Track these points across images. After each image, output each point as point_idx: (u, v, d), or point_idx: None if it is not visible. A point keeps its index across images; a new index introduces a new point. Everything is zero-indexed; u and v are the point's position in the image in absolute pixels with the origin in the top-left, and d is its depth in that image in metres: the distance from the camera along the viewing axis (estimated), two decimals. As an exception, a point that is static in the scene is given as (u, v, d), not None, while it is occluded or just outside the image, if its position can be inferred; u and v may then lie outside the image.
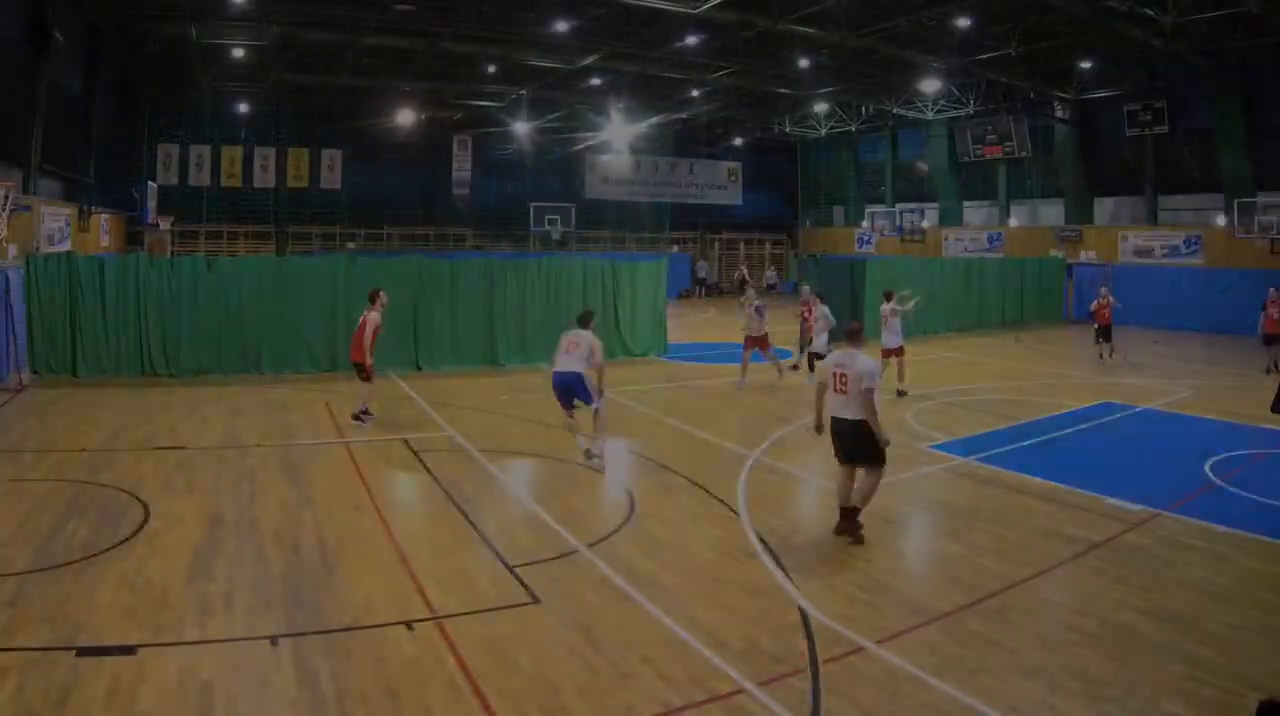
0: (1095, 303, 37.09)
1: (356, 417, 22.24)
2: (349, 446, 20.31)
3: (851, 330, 14.96)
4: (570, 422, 19.37)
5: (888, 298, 28.32)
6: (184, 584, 12.08)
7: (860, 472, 14.41)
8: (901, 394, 27.13)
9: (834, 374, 14.22)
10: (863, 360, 14.13)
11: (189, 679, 9.53)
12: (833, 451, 14.75)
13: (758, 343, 29.49)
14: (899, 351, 27.70)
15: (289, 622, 11.02)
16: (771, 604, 11.87)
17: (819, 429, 15.38)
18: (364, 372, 22.22)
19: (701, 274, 74.38)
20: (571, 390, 18.71)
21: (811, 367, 29.13)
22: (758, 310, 29.37)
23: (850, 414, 14.10)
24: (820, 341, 28.98)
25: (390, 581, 12.44)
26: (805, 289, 33.25)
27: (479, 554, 13.65)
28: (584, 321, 19.40)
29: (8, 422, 22.21)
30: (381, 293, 22.59)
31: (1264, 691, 8.22)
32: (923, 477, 18.49)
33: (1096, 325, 36.58)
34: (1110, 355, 36.06)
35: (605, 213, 75.27)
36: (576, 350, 18.66)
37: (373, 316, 21.96)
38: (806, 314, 31.58)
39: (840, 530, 14.31)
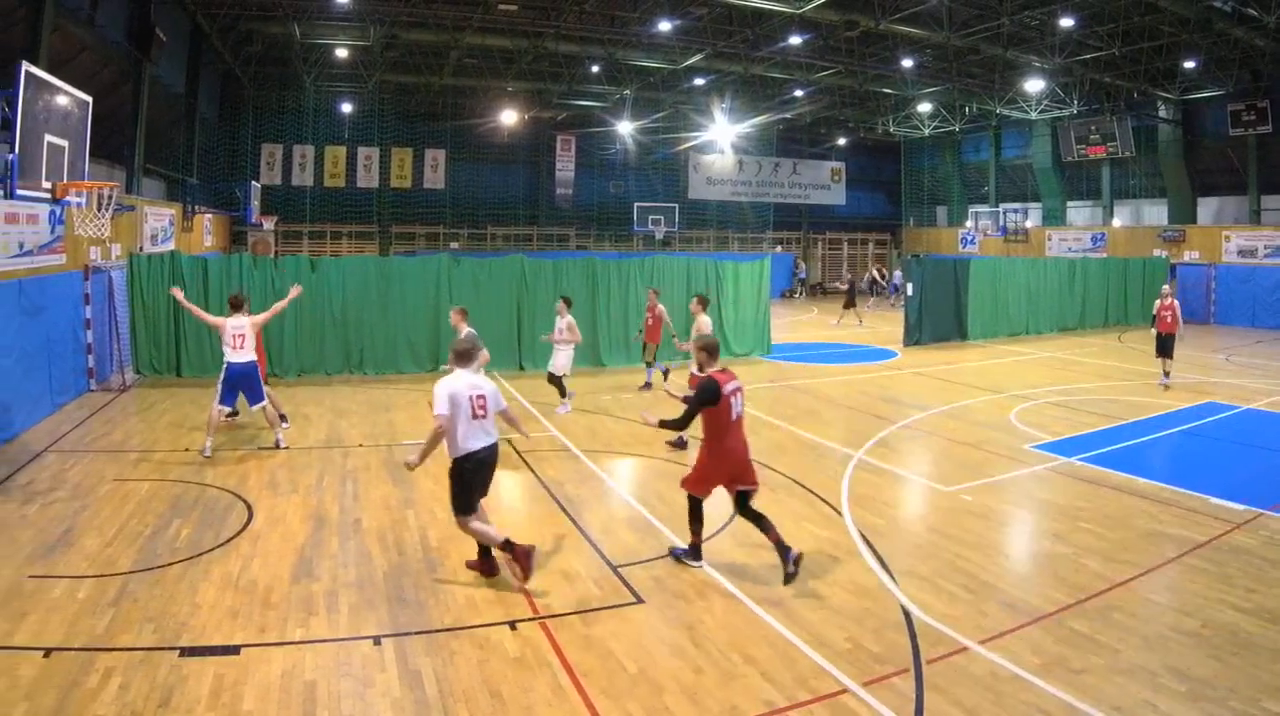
0: (1157, 304, 30.70)
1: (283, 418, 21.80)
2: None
3: (463, 351, 13.10)
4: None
5: (703, 303, 22.81)
6: (288, 584, 12.30)
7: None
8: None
9: (470, 398, 12.53)
10: (485, 378, 13.12)
11: (292, 678, 9.72)
12: (478, 492, 12.79)
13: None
14: None
15: (392, 622, 11.19)
16: (875, 603, 11.90)
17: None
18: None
19: (801, 275, 73.86)
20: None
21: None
22: (564, 330, 23.86)
23: (494, 438, 12.85)
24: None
25: (494, 581, 12.57)
26: (650, 292, 28.94)
27: (582, 553, 13.76)
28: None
29: (112, 422, 22.53)
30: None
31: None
32: (1026, 477, 18.42)
33: (1157, 333, 30.06)
34: (1167, 376, 29.70)
35: (708, 213, 74.99)
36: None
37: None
38: (651, 318, 27.95)
39: (493, 570, 12.90)
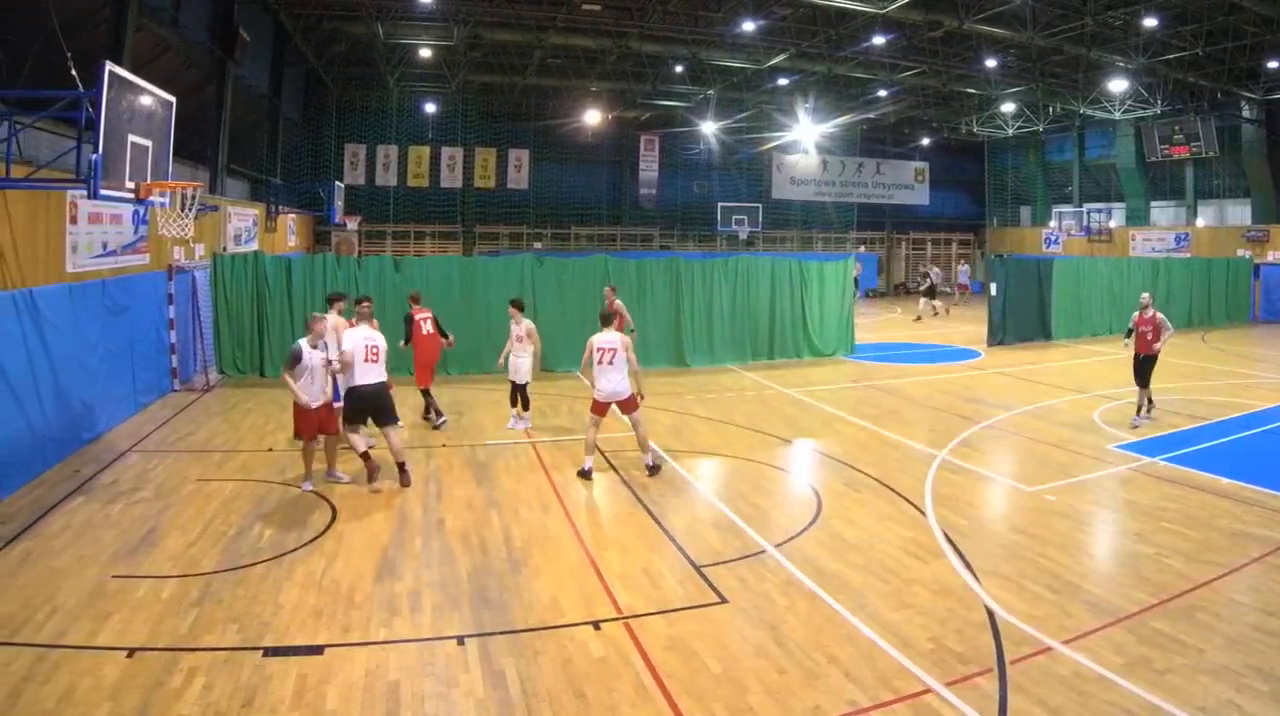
0: (1135, 317, 24.05)
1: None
2: (536, 446, 20.72)
3: (363, 313, 18.18)
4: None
5: (604, 320, 19.16)
6: (371, 583, 12.48)
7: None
8: (655, 470, 18.55)
9: (365, 346, 17.27)
10: (379, 334, 17.74)
11: (376, 678, 9.86)
12: (362, 415, 17.49)
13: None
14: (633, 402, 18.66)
15: (476, 622, 11.31)
16: (958, 604, 11.92)
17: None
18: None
19: (854, 275, 73.03)
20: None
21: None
22: (524, 337, 22.27)
23: (382, 378, 17.58)
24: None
25: (577, 581, 12.67)
26: (608, 289, 27.27)
27: (666, 554, 13.82)
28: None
29: (195, 422, 22.85)
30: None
31: None
32: (1110, 477, 18.34)
33: (1135, 354, 23.91)
34: (1146, 410, 23.67)
35: (791, 213, 74.71)
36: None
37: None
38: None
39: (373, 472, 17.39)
